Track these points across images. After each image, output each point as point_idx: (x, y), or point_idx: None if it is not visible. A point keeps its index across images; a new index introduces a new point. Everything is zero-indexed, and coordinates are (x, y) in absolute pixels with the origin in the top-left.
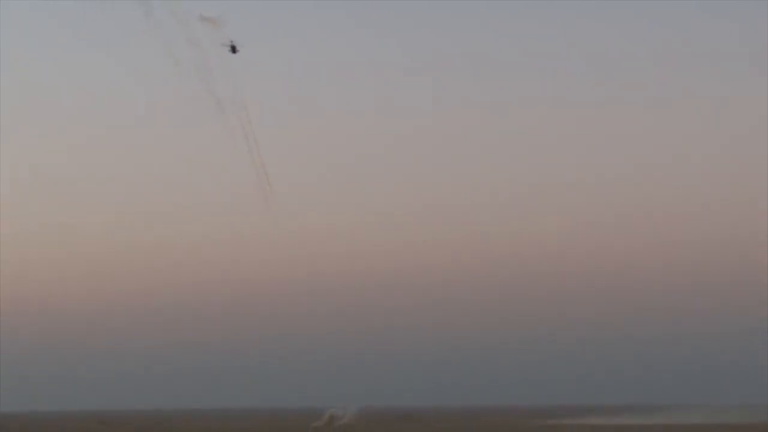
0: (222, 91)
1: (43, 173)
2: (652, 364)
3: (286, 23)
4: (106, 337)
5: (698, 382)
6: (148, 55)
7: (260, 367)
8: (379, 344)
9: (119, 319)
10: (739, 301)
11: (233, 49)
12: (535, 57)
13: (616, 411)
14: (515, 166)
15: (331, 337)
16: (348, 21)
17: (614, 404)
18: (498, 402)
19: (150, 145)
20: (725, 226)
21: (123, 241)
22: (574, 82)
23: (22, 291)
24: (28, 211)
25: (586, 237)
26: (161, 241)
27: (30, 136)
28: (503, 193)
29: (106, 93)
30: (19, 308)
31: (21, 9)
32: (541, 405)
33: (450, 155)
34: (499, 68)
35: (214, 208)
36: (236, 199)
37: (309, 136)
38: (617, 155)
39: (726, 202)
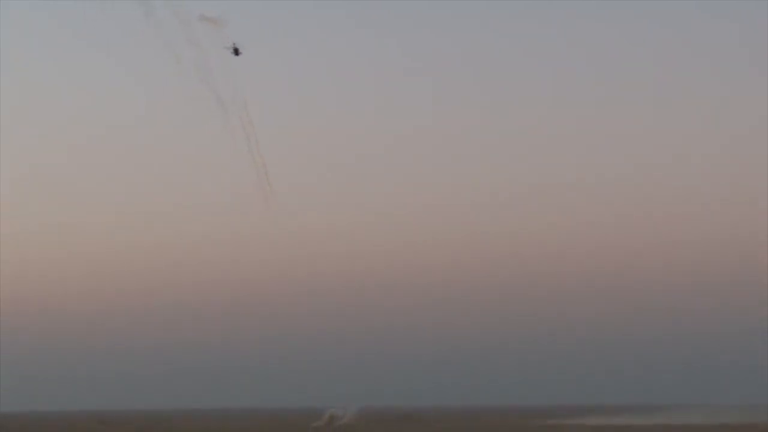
0: (222, 91)
1: (43, 173)
2: (652, 364)
3: (286, 23)
4: (106, 337)
5: (698, 382)
6: (148, 55)
7: (260, 367)
8: (379, 344)
9: (119, 319)
10: (739, 301)
11: (236, 52)
12: (535, 57)
13: (616, 411)
14: (515, 166)
15: (331, 337)
16: (348, 21)
17: (614, 404)
18: (498, 402)
19: (150, 145)
20: (725, 226)
21: (123, 241)
22: (574, 82)
23: (22, 291)
24: (28, 211)
25: (586, 237)
26: (161, 241)
27: (30, 136)
28: (503, 193)
29: (106, 93)
30: (19, 308)
31: (21, 9)
32: (541, 405)
33: (450, 155)
34: (499, 68)
35: (214, 208)
36: (236, 199)
37: (309, 136)
38: (617, 155)
39: (726, 202)
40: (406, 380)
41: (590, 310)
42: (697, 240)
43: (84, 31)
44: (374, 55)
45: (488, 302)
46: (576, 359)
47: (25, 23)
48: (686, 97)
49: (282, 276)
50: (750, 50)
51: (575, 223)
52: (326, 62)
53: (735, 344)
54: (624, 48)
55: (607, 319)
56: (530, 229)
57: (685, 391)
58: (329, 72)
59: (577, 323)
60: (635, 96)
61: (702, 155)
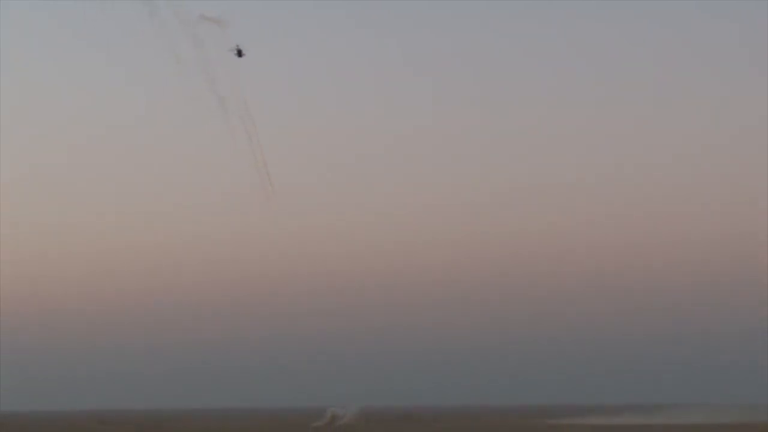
0: (222, 91)
1: (43, 173)
2: (652, 364)
3: (286, 23)
4: (106, 337)
5: (698, 382)
6: (148, 54)
7: (260, 367)
8: (379, 344)
9: (119, 319)
10: (739, 301)
11: (239, 53)
12: (535, 57)
13: (616, 411)
14: (515, 166)
15: (331, 337)
16: (348, 21)
17: (614, 404)
18: (498, 402)
19: (150, 145)
20: (725, 226)
21: (123, 241)
22: (574, 82)
23: (22, 291)
24: (28, 211)
25: (586, 237)
26: (161, 241)
27: (30, 136)
28: (503, 193)
29: (106, 93)
30: (19, 308)
31: (21, 9)
32: (541, 405)
33: (450, 155)
34: (499, 68)
35: (215, 208)
36: (236, 199)
37: (309, 136)
38: (617, 155)
39: (726, 202)
40: (406, 380)
41: (590, 310)
42: (697, 240)
43: (84, 31)
44: (374, 55)
45: (488, 302)
46: (576, 359)
47: (25, 23)
48: (686, 97)
49: (282, 276)
50: (750, 50)
51: (575, 223)
52: (326, 62)
53: (735, 344)
54: (624, 48)
55: (607, 319)
56: (530, 229)
57: (685, 391)
58: (329, 72)
59: (577, 323)
60: (635, 96)
61: (702, 155)
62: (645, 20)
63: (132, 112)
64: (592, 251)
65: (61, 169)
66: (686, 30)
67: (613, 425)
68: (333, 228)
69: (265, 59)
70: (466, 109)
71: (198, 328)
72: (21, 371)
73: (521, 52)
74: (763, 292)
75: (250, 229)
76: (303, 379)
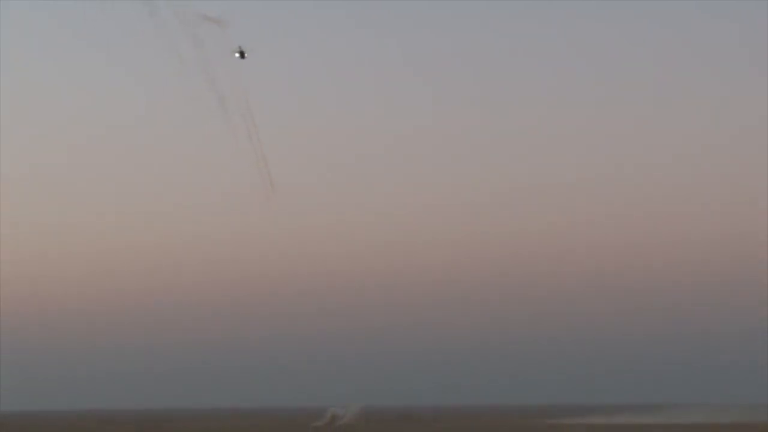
0: (223, 91)
1: (43, 173)
2: (652, 364)
3: (286, 23)
4: (106, 337)
5: (698, 382)
6: (148, 54)
7: (260, 367)
8: (379, 344)
9: (119, 319)
10: (739, 301)
11: (242, 55)
12: (535, 57)
13: (616, 411)
14: (515, 166)
15: (331, 337)
16: (348, 21)
17: (614, 404)
18: (498, 402)
19: (150, 145)
20: (725, 226)
21: (123, 241)
22: (574, 82)
23: (22, 291)
24: (28, 211)
25: (586, 237)
26: (161, 241)
27: (30, 136)
28: (503, 193)
29: (106, 93)
30: (19, 308)
31: (21, 9)
32: (541, 405)
33: (450, 155)
34: (499, 68)
35: (215, 207)
36: (236, 199)
37: (309, 136)
38: (617, 155)
39: (726, 202)
40: (406, 380)
41: (590, 310)
42: (697, 240)
43: (84, 31)
44: (374, 55)
45: (488, 302)
46: (576, 359)
47: (25, 23)
48: (686, 97)
49: (282, 276)
50: (750, 50)
51: (575, 223)
52: (326, 62)
53: (735, 344)
54: (624, 48)
55: (607, 319)
56: (530, 229)
57: (685, 390)
58: (329, 72)
59: (577, 323)
60: (635, 96)
61: (702, 155)
62: (645, 20)
63: (132, 112)
64: (592, 251)
65: (61, 169)
66: (686, 30)
67: (613, 425)
68: (333, 228)
69: (265, 59)
70: (466, 109)
71: (198, 328)
72: (21, 371)
73: (521, 52)
74: (763, 292)
75: (250, 229)
76: (303, 379)
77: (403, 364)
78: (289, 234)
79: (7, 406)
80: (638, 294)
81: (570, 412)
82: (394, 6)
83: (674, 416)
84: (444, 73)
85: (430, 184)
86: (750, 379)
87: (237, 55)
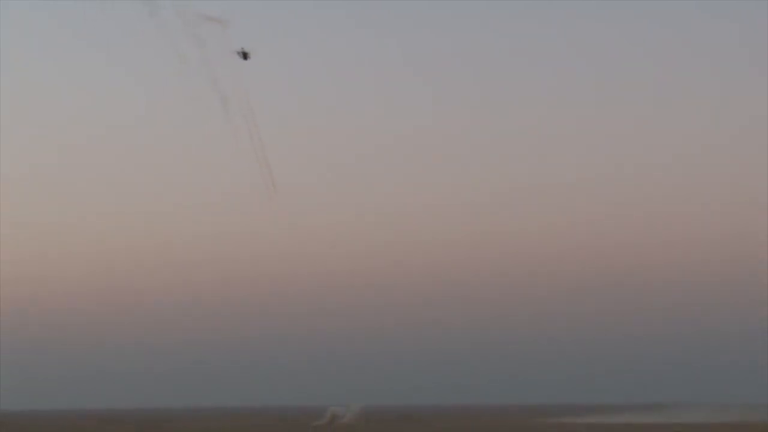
0: (224, 91)
1: (43, 173)
2: (652, 363)
3: (286, 23)
4: (107, 337)
5: (698, 382)
6: (149, 54)
7: (260, 367)
8: (379, 343)
9: (119, 318)
10: (739, 301)
11: (245, 56)
12: (535, 57)
13: (616, 410)
14: (515, 166)
15: (332, 336)
16: (348, 21)
17: (614, 404)
18: (498, 402)
19: (150, 145)
20: (725, 226)
21: (123, 241)
22: (574, 82)
23: (22, 291)
24: (28, 211)
25: (586, 237)
26: (161, 240)
27: (30, 136)
28: (503, 193)
29: (106, 93)
30: (19, 308)
31: (21, 9)
32: (541, 404)
33: (450, 155)
34: (499, 68)
35: (216, 207)
36: (238, 199)
37: (309, 135)
38: (617, 155)
39: (726, 202)
40: (406, 380)
41: (590, 309)
42: (697, 240)
43: (84, 31)
44: (374, 55)
45: (488, 302)
46: (576, 359)
47: (25, 23)
48: (686, 97)
49: (282, 275)
50: (750, 50)
51: (575, 223)
52: (326, 62)
53: (735, 344)
54: (624, 48)
55: (607, 319)
56: (530, 229)
57: (685, 390)
58: (329, 72)
59: (577, 323)
60: (635, 96)
61: (702, 155)
62: (645, 20)
63: (132, 112)
64: (592, 251)
65: (62, 169)
66: (686, 30)
67: (613, 425)
68: (333, 227)
69: (265, 59)
70: (466, 109)
71: (198, 328)
72: (21, 371)
73: (521, 52)
74: (763, 292)
75: (251, 228)
76: (303, 379)
77: (403, 364)
78: (289, 234)
79: (7, 405)
80: (638, 294)
81: (570, 411)
82: (394, 6)
83: (674, 416)
84: (444, 73)
85: (430, 184)
86: (750, 379)
87: (239, 56)
